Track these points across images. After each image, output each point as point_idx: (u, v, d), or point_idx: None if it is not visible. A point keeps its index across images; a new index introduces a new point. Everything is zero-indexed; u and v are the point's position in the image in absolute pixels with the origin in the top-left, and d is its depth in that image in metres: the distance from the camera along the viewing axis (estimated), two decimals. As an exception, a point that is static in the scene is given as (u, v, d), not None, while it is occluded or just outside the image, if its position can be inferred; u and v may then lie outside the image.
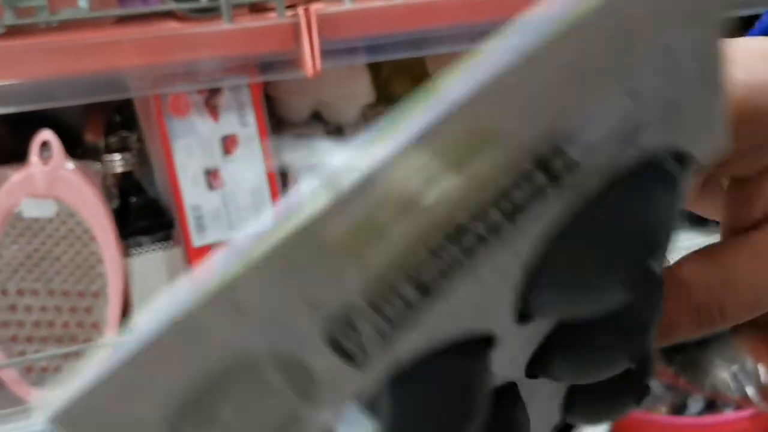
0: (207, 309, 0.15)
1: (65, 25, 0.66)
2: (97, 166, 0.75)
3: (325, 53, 0.67)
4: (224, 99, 0.72)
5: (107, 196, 0.76)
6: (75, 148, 0.77)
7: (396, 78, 0.89)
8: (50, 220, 0.71)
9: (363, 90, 0.84)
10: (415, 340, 0.17)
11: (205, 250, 0.74)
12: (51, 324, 0.73)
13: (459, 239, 0.16)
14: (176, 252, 0.76)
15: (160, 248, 0.76)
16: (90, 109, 0.81)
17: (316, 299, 0.16)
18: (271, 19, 0.67)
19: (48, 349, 0.72)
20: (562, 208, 0.18)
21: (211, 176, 0.73)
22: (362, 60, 0.76)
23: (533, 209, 0.17)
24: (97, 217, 0.71)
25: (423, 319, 0.17)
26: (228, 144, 0.73)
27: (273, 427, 0.17)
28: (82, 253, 0.72)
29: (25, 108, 0.67)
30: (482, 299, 0.18)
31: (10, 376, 0.72)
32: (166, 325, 0.15)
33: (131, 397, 0.15)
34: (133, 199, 0.76)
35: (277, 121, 0.83)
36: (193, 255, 0.74)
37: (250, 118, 0.73)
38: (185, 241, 0.74)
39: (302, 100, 0.82)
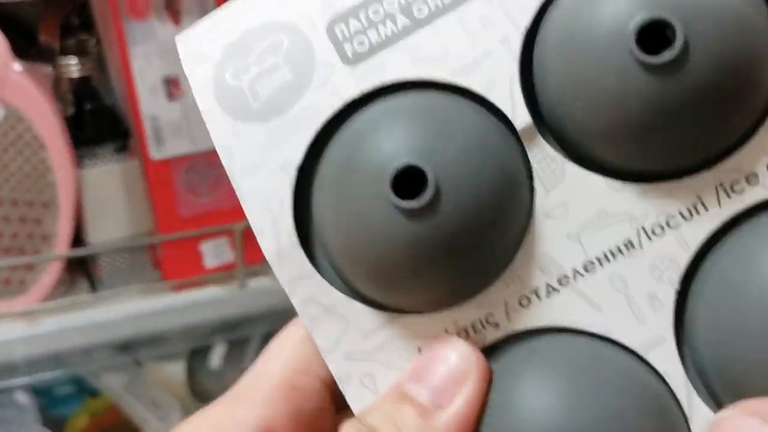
0: None
1: None
2: (49, 69, 0.70)
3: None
4: (186, 2, 0.67)
5: (61, 102, 0.72)
6: (27, 49, 0.72)
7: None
8: (-3, 125, 0.67)
9: None
10: (398, 58, 0.21)
11: (163, 163, 0.70)
12: (-2, 234, 0.69)
13: None
14: (132, 164, 0.72)
15: (115, 160, 0.72)
16: (47, 6, 0.75)
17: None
18: None
19: (-4, 260, 0.69)
20: None
21: (171, 85, 0.69)
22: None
23: None
24: (48, 124, 0.67)
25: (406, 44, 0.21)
26: (189, 51, 0.68)
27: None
28: (31, 161, 0.68)
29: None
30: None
31: (-45, 287, 0.69)
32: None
33: None
34: (88, 107, 0.72)
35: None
36: (150, 168, 0.70)
37: (214, 24, 0.68)
38: (142, 154, 0.70)
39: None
